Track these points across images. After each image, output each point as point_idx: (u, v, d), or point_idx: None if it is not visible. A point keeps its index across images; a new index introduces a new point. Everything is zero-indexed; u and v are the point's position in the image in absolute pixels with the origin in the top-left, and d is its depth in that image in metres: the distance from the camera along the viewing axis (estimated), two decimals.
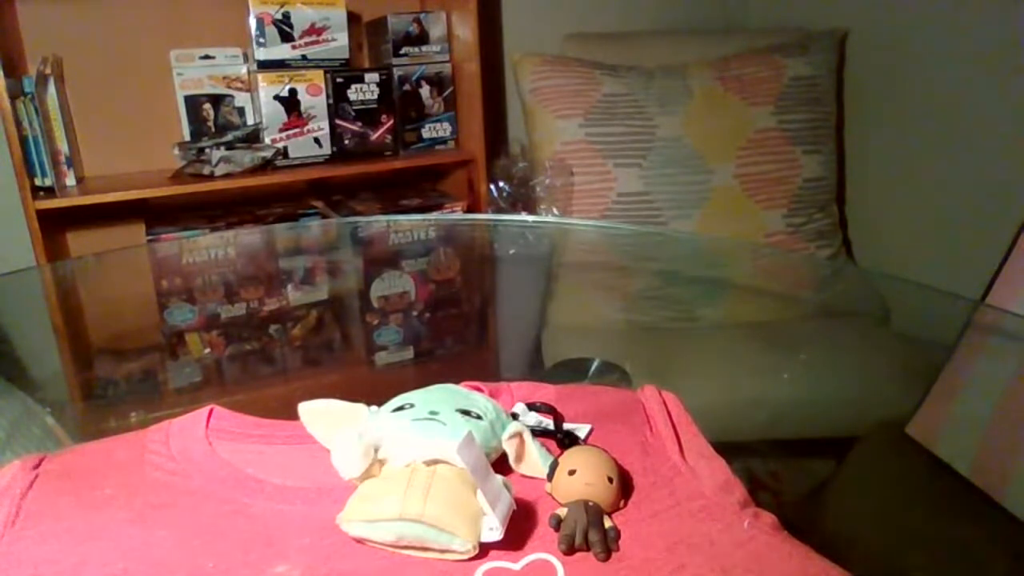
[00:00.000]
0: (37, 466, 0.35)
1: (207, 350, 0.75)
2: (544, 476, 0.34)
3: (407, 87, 1.57)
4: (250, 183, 1.43)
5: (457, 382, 0.40)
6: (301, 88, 1.45)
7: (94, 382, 0.70)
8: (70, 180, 1.38)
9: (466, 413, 0.35)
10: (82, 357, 0.78)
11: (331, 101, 1.48)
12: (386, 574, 0.29)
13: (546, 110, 1.54)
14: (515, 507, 0.31)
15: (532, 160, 1.58)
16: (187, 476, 0.35)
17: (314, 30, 1.45)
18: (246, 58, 1.50)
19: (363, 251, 1.07)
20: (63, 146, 1.35)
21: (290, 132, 1.46)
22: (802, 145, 1.55)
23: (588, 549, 0.30)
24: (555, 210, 1.51)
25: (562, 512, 0.32)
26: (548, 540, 0.31)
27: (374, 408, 0.37)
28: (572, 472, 0.33)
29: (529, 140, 1.60)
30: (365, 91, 1.50)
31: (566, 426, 0.39)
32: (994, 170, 1.41)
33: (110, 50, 1.46)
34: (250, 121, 1.52)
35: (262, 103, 1.44)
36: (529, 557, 0.30)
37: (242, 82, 1.52)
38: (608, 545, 0.30)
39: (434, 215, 1.52)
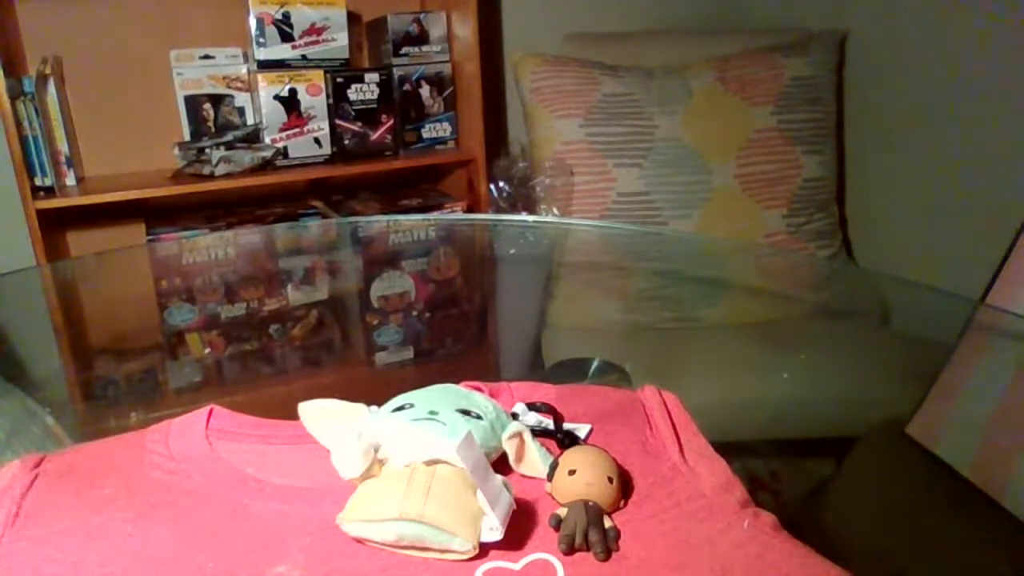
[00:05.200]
0: (37, 466, 0.35)
1: (207, 350, 0.75)
2: (544, 476, 0.34)
3: (407, 87, 1.57)
4: (250, 183, 1.43)
5: (457, 382, 0.40)
6: (301, 88, 1.45)
7: (94, 382, 0.70)
8: (70, 180, 1.38)
9: (466, 413, 0.35)
10: (82, 357, 0.78)
11: (331, 101, 1.48)
12: (386, 574, 0.29)
13: (546, 110, 1.54)
14: (515, 507, 0.31)
15: (532, 160, 1.58)
16: (187, 476, 0.35)
17: (314, 30, 1.45)
18: (246, 58, 1.50)
19: (363, 251, 1.07)
20: (63, 146, 1.35)
21: (290, 132, 1.46)
22: (802, 145, 1.55)
23: (588, 549, 0.30)
24: (555, 210, 1.51)
25: (562, 512, 0.32)
26: (548, 540, 0.31)
27: (374, 408, 0.37)
28: (572, 472, 0.33)
29: (529, 140, 1.60)
30: (365, 91, 1.50)
31: (566, 426, 0.39)
32: (994, 170, 1.41)
33: (110, 50, 1.46)
34: (250, 121, 1.52)
35: (262, 103, 1.44)
36: (529, 557, 0.30)
37: (242, 82, 1.52)
38: (608, 545, 0.30)
39: (434, 215, 1.52)
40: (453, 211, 1.57)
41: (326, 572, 0.29)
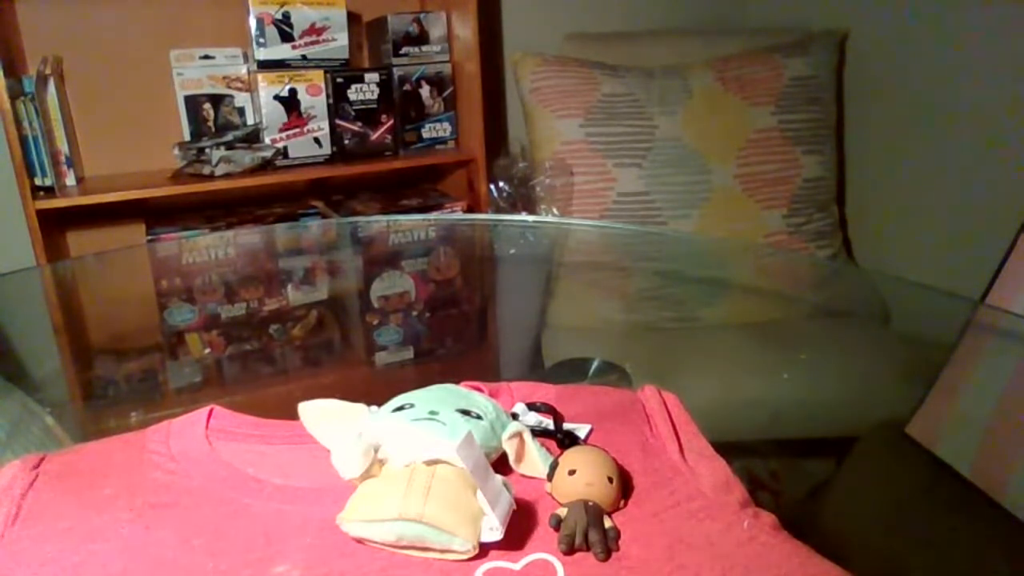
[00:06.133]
0: (37, 466, 0.35)
1: (207, 350, 0.75)
2: (544, 476, 0.34)
3: (407, 87, 1.57)
4: (250, 183, 1.43)
5: (457, 382, 0.40)
6: (301, 88, 1.45)
7: (94, 382, 0.70)
8: (70, 180, 1.37)
9: (466, 413, 0.35)
10: (82, 357, 0.78)
11: (331, 101, 1.48)
12: (386, 574, 0.29)
13: (546, 110, 1.54)
14: (515, 507, 0.31)
15: (532, 160, 1.58)
16: (187, 476, 0.35)
17: (314, 30, 1.45)
18: (246, 58, 1.50)
19: (363, 251, 1.07)
20: (63, 146, 1.35)
21: (290, 132, 1.46)
22: (802, 145, 1.55)
23: (588, 549, 0.30)
24: (555, 210, 1.51)
25: (562, 512, 0.32)
26: (548, 540, 0.31)
27: (374, 408, 0.37)
28: (572, 472, 0.33)
29: (529, 140, 1.60)
30: (365, 91, 1.50)
31: (566, 426, 0.39)
32: (994, 170, 1.41)
33: (110, 50, 1.46)
34: (250, 121, 1.52)
35: (262, 103, 1.43)
36: (529, 557, 0.30)
37: (242, 82, 1.52)
38: (608, 545, 0.30)
39: (434, 215, 1.52)
40: (453, 211, 1.57)
41: (326, 572, 0.29)
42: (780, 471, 0.53)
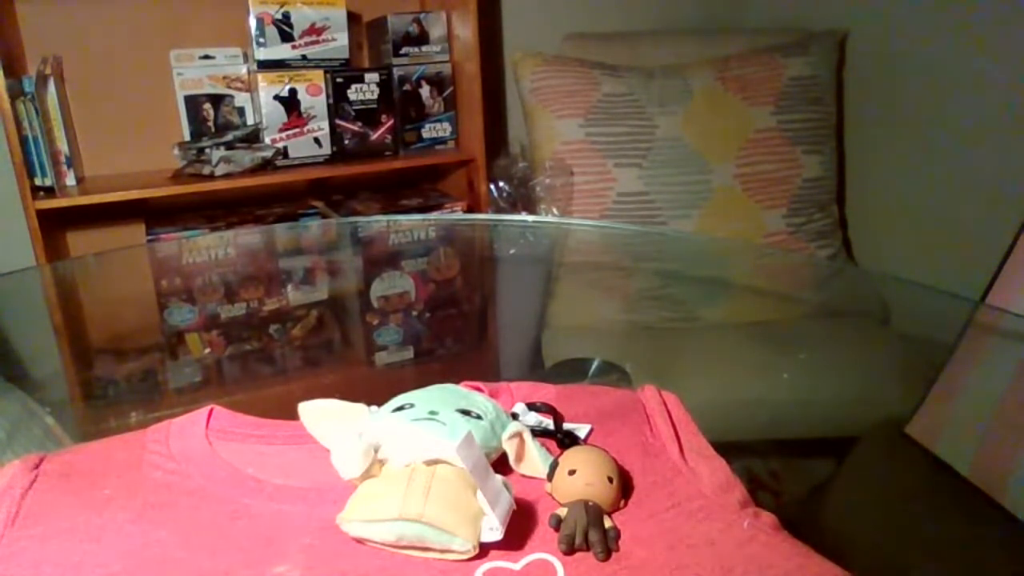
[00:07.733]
0: (37, 466, 0.35)
1: (207, 350, 0.75)
2: (544, 476, 0.34)
3: (407, 87, 1.57)
4: (250, 183, 1.43)
5: (457, 382, 0.40)
6: (301, 88, 1.45)
7: (94, 382, 0.70)
8: (70, 180, 1.37)
9: (466, 413, 0.35)
10: (82, 357, 0.78)
11: (331, 101, 1.48)
12: (386, 574, 0.29)
13: (546, 110, 1.54)
14: (515, 507, 0.31)
15: (532, 160, 1.58)
16: (187, 476, 0.35)
17: (314, 30, 1.45)
18: (246, 58, 1.50)
19: (363, 251, 1.07)
20: (63, 146, 1.35)
21: (290, 132, 1.46)
22: (802, 145, 1.55)
23: (588, 549, 0.30)
24: (555, 210, 1.51)
25: (562, 512, 0.32)
26: (548, 540, 0.31)
27: (374, 408, 0.37)
28: (572, 472, 0.33)
29: (529, 140, 1.60)
30: (365, 91, 1.50)
31: (566, 426, 0.39)
32: (994, 170, 1.41)
33: (110, 50, 1.46)
34: (250, 121, 1.52)
35: (262, 103, 1.43)
36: (529, 557, 0.30)
37: (242, 82, 1.51)
38: (608, 545, 0.30)
39: (434, 215, 1.52)
40: (453, 211, 1.57)
41: (326, 572, 0.29)
42: (780, 471, 0.53)
